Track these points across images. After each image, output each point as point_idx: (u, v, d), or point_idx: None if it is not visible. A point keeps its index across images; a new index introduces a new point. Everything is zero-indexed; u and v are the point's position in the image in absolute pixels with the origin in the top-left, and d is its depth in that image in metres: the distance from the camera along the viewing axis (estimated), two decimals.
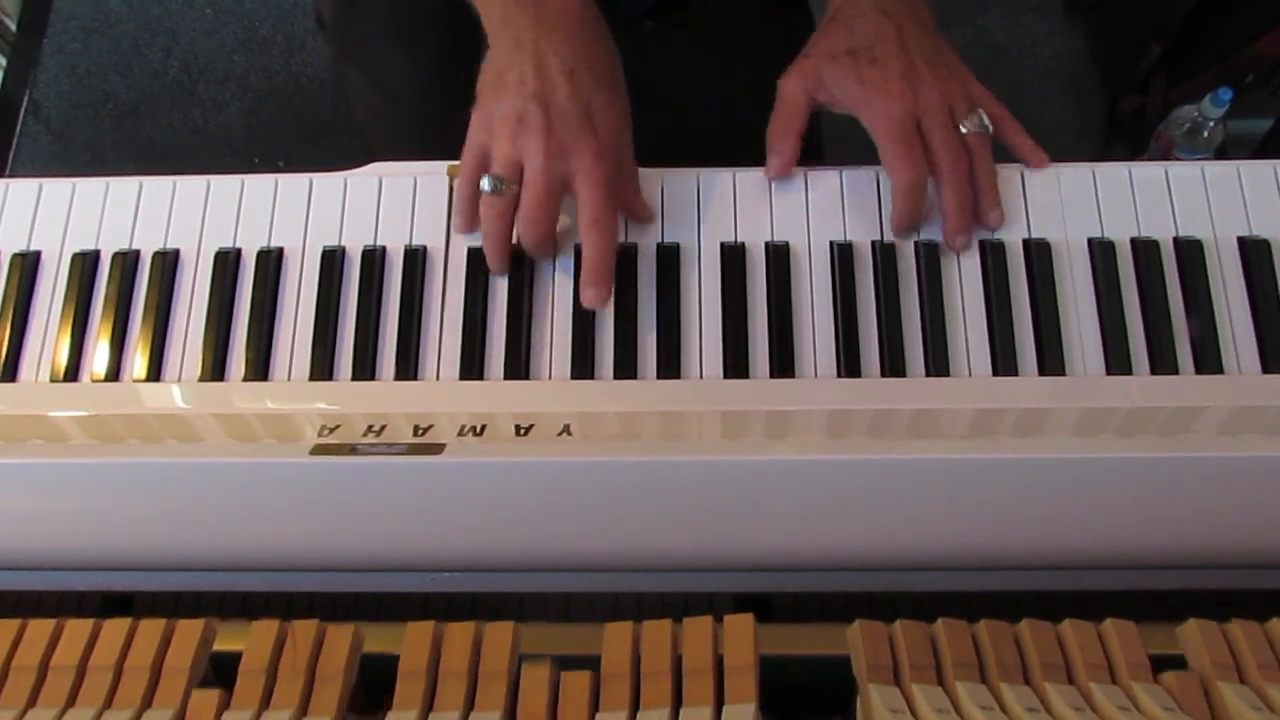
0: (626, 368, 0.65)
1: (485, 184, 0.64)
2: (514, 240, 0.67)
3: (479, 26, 0.68)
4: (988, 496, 0.55)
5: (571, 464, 0.55)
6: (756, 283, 0.67)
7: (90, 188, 0.72)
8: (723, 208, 0.69)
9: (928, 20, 0.70)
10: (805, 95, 0.69)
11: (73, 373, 0.67)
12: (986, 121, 0.67)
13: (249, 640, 0.47)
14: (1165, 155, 1.43)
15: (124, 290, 0.68)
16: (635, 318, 0.66)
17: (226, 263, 0.69)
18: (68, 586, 0.58)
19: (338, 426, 0.60)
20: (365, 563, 0.57)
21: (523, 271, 0.67)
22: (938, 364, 0.65)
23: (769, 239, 0.68)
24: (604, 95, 0.65)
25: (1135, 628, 0.47)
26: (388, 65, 0.89)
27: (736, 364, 0.65)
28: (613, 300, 0.67)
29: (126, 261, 0.69)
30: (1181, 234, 0.68)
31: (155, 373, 0.67)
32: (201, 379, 0.66)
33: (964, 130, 0.67)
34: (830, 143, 0.87)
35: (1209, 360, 0.65)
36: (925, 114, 0.66)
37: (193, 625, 0.48)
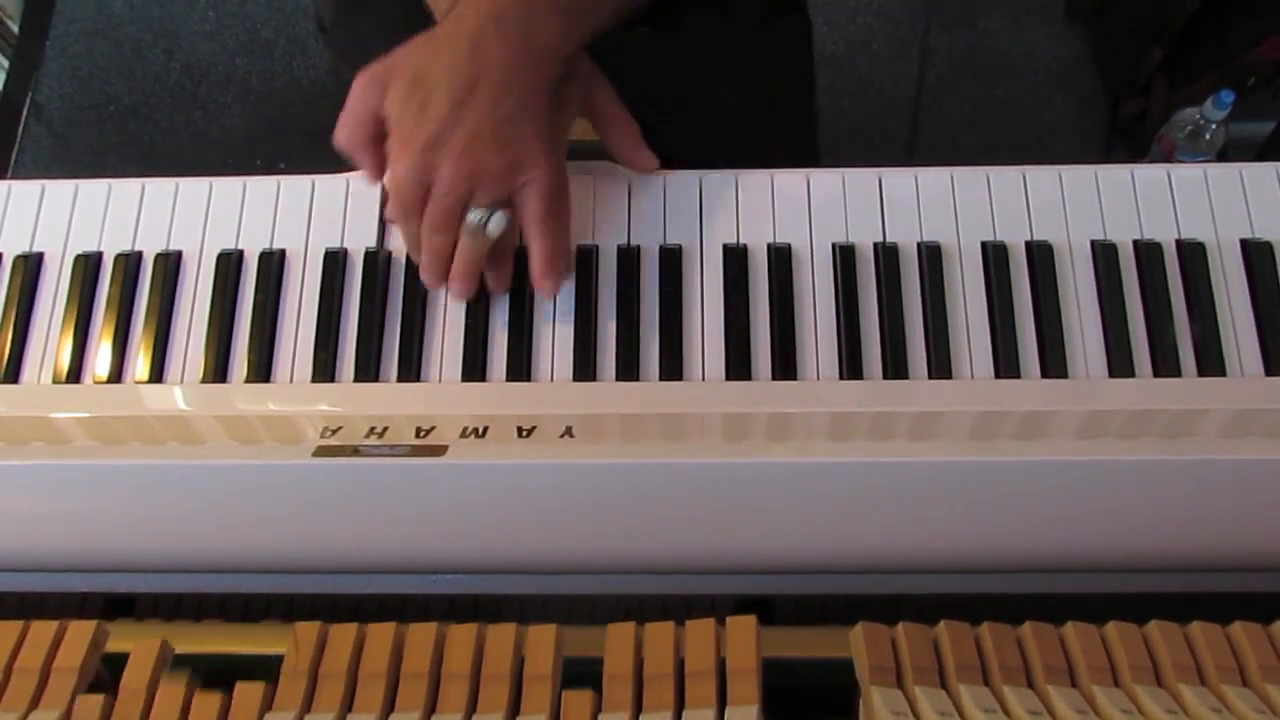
0: (628, 369, 0.65)
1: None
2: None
3: None
4: (990, 499, 0.55)
5: (573, 466, 0.55)
6: (758, 284, 0.67)
7: (93, 189, 0.72)
8: (725, 210, 0.69)
9: (521, 83, 0.61)
10: (366, 108, 0.63)
11: (75, 374, 0.67)
12: (492, 228, 0.62)
13: (249, 644, 0.47)
14: (1167, 158, 1.43)
15: (126, 292, 0.68)
16: (637, 319, 0.66)
17: (229, 264, 0.69)
18: (70, 589, 0.58)
19: (340, 428, 0.60)
20: (367, 564, 0.57)
21: (525, 272, 0.67)
22: (940, 366, 0.65)
23: (771, 240, 0.68)
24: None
25: (1138, 630, 0.47)
26: None
27: (738, 366, 0.65)
28: (614, 302, 0.67)
29: (129, 263, 0.69)
30: (1184, 236, 0.68)
31: (157, 374, 0.67)
32: (204, 381, 0.66)
33: (469, 219, 0.62)
34: (830, 144, 0.87)
35: (1211, 363, 0.65)
36: (435, 183, 0.60)
37: (191, 629, 0.48)
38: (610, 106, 0.67)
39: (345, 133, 0.63)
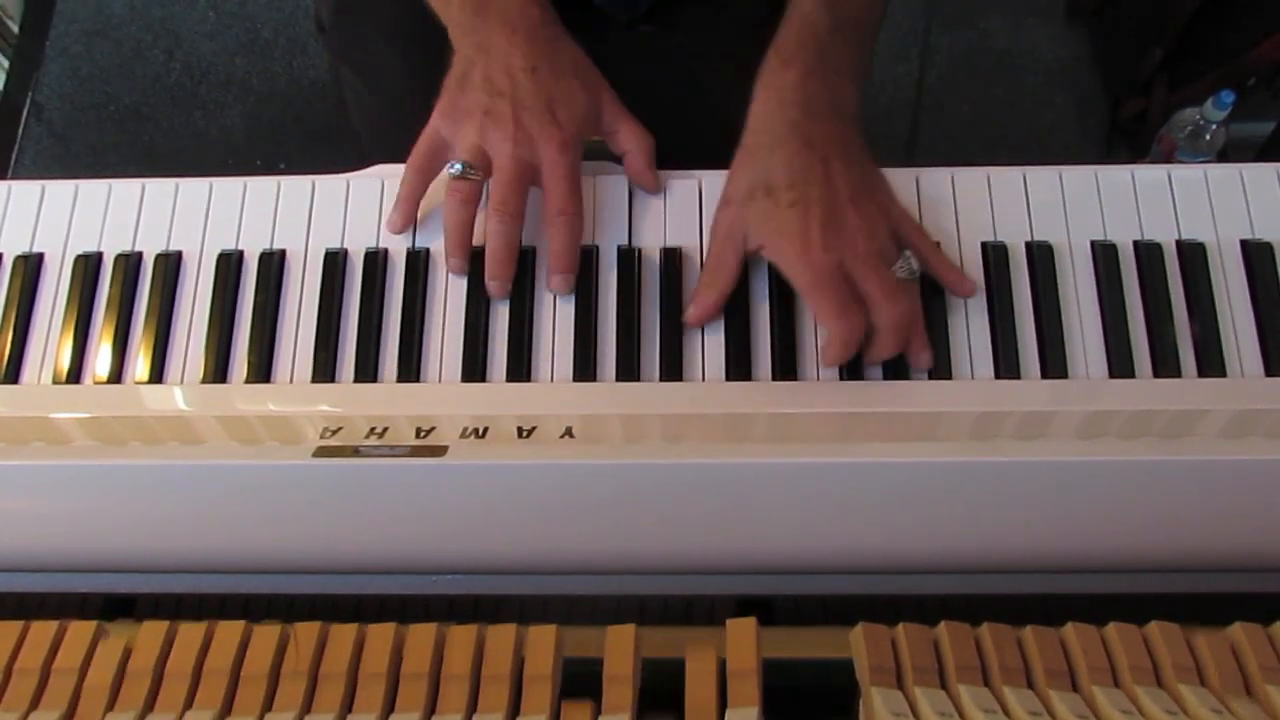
0: (629, 370, 0.65)
1: (454, 169, 0.65)
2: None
3: None
4: (990, 499, 0.55)
5: (574, 466, 0.55)
6: (759, 284, 0.67)
7: (93, 190, 0.72)
8: None
9: (855, 145, 0.65)
10: (734, 254, 0.65)
11: (75, 375, 0.67)
12: (915, 266, 0.63)
13: (251, 643, 0.47)
14: (1167, 158, 1.43)
15: (126, 292, 0.68)
16: (638, 320, 0.66)
17: (229, 265, 0.69)
18: (70, 589, 0.58)
19: (340, 429, 0.60)
20: (367, 565, 0.57)
21: (524, 273, 0.67)
22: (940, 366, 0.65)
23: None
24: (566, 89, 0.66)
25: (1139, 631, 0.47)
26: (384, 68, 0.90)
27: (739, 366, 0.65)
28: (615, 303, 0.67)
29: (129, 263, 0.69)
30: (1184, 237, 0.68)
31: (158, 375, 0.67)
32: (204, 381, 0.66)
33: (894, 274, 0.62)
34: None
35: (1212, 363, 0.65)
36: (853, 266, 0.61)
37: (195, 629, 0.48)
38: (624, 120, 0.69)
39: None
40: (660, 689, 0.46)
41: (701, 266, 0.67)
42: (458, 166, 0.65)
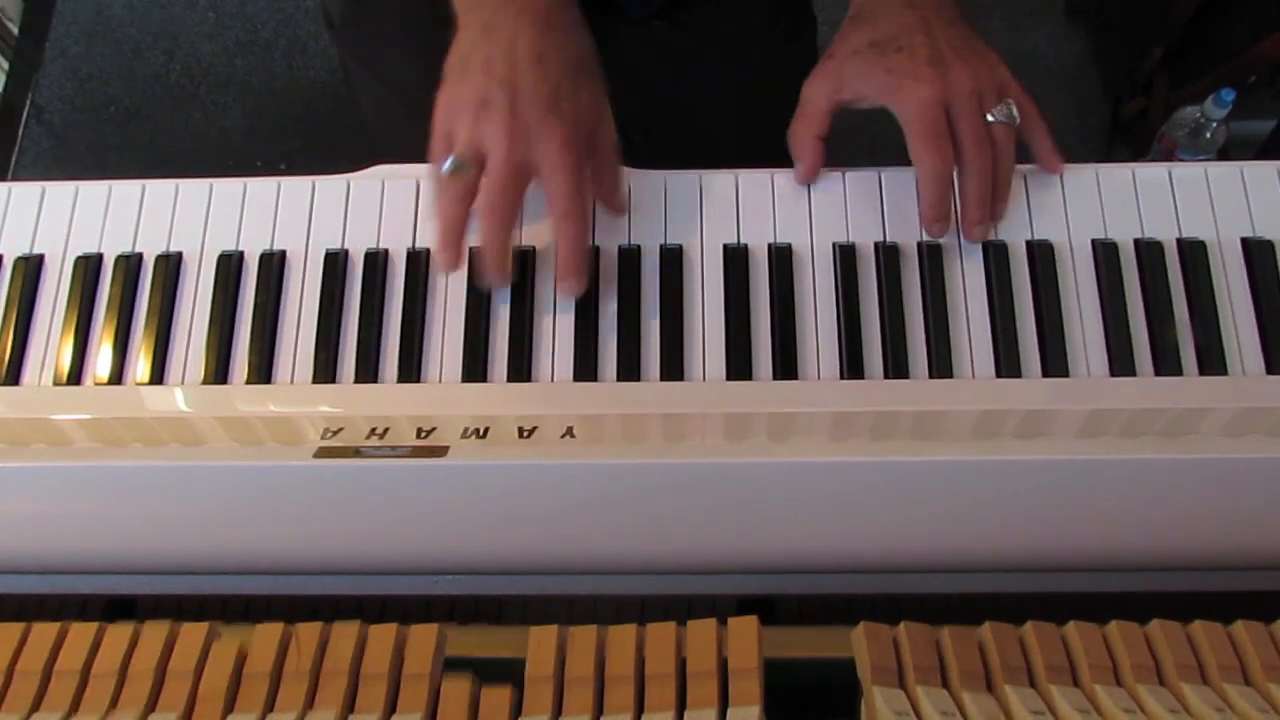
0: (629, 370, 0.65)
1: (445, 166, 0.62)
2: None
3: None
4: (991, 498, 0.55)
5: (575, 466, 0.55)
6: (759, 284, 0.67)
7: (93, 191, 0.72)
8: (725, 209, 0.69)
9: (953, 11, 0.69)
10: (826, 99, 0.68)
11: (76, 376, 0.67)
12: (1015, 113, 0.66)
13: (253, 643, 0.47)
14: (1168, 156, 1.43)
15: (127, 293, 0.68)
16: (638, 319, 0.66)
17: (229, 265, 0.69)
18: (71, 590, 0.58)
19: (341, 429, 0.60)
20: (369, 565, 0.57)
21: (525, 273, 0.67)
22: (941, 366, 0.65)
23: (772, 240, 0.68)
24: (573, 82, 0.63)
25: (1140, 629, 0.47)
26: (396, 63, 0.89)
27: (739, 366, 0.65)
28: (615, 302, 0.67)
29: (129, 264, 0.69)
30: (1185, 235, 0.68)
31: (158, 376, 0.67)
32: (204, 382, 0.66)
33: (991, 119, 0.65)
34: (832, 144, 0.87)
35: (1213, 362, 0.65)
36: (954, 100, 0.65)
37: (197, 629, 0.48)
38: (609, 146, 0.67)
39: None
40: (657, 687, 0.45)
41: (703, 258, 0.67)
42: (449, 163, 0.62)
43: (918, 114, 0.65)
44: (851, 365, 0.65)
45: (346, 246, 0.69)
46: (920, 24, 0.67)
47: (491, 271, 0.64)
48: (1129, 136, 1.64)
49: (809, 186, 0.70)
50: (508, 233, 0.63)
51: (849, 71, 0.68)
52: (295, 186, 0.71)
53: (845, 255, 0.68)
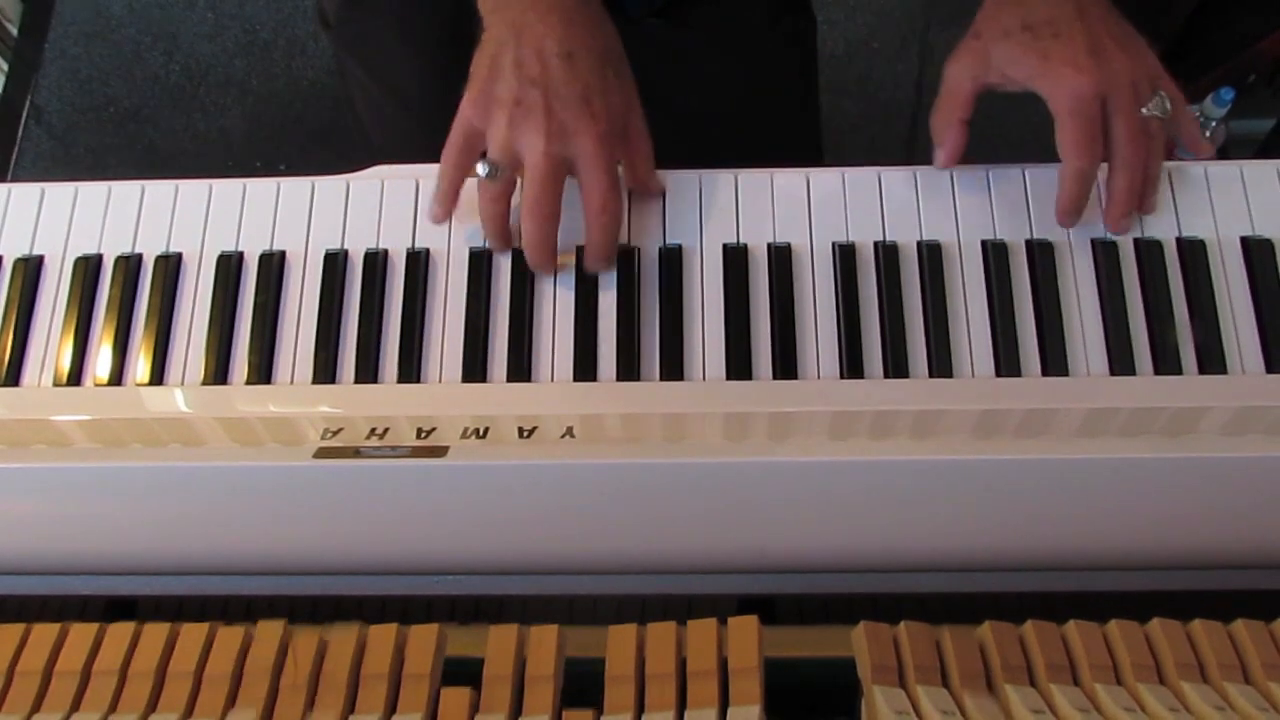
0: (629, 370, 0.65)
1: (481, 170, 0.64)
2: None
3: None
4: (991, 497, 0.55)
5: (575, 466, 0.55)
6: (759, 284, 0.67)
7: (93, 192, 0.72)
8: (725, 209, 0.69)
9: None
10: (972, 81, 0.67)
11: (76, 377, 0.67)
12: (1168, 105, 0.65)
13: (255, 643, 0.47)
14: (1168, 155, 1.43)
15: (127, 294, 0.68)
16: (637, 320, 0.66)
17: (229, 266, 0.69)
18: (71, 591, 0.58)
19: (341, 429, 0.60)
20: (369, 566, 0.57)
21: (525, 273, 0.67)
22: (940, 365, 0.65)
23: (771, 240, 0.68)
24: (602, 77, 0.64)
25: (1140, 628, 0.47)
26: (392, 62, 0.89)
27: (739, 366, 0.65)
28: (615, 302, 0.67)
29: (129, 265, 0.69)
30: (1184, 234, 0.68)
31: (158, 376, 0.67)
32: (204, 383, 0.66)
33: (1145, 113, 0.64)
34: (831, 143, 0.87)
35: (1212, 360, 0.65)
36: (1112, 94, 0.63)
37: (197, 629, 0.48)
38: (642, 137, 0.68)
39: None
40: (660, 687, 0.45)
41: (702, 258, 0.67)
42: (485, 169, 0.64)
43: (1074, 107, 0.63)
44: (851, 365, 0.65)
45: (346, 247, 0.69)
46: (1077, 10, 0.64)
47: (540, 266, 0.66)
48: None
49: (808, 186, 0.70)
50: (552, 228, 0.65)
51: (998, 53, 0.65)
52: (295, 187, 0.71)
53: (845, 255, 0.68)
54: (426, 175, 0.70)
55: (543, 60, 0.63)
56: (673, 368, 0.65)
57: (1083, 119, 0.63)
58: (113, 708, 0.45)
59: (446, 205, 0.67)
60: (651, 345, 0.66)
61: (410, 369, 0.66)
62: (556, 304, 0.67)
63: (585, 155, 0.63)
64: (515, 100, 0.62)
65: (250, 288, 0.68)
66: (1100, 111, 0.63)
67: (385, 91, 0.92)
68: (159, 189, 0.72)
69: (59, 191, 0.72)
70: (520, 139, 0.63)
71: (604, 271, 0.67)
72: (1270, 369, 0.65)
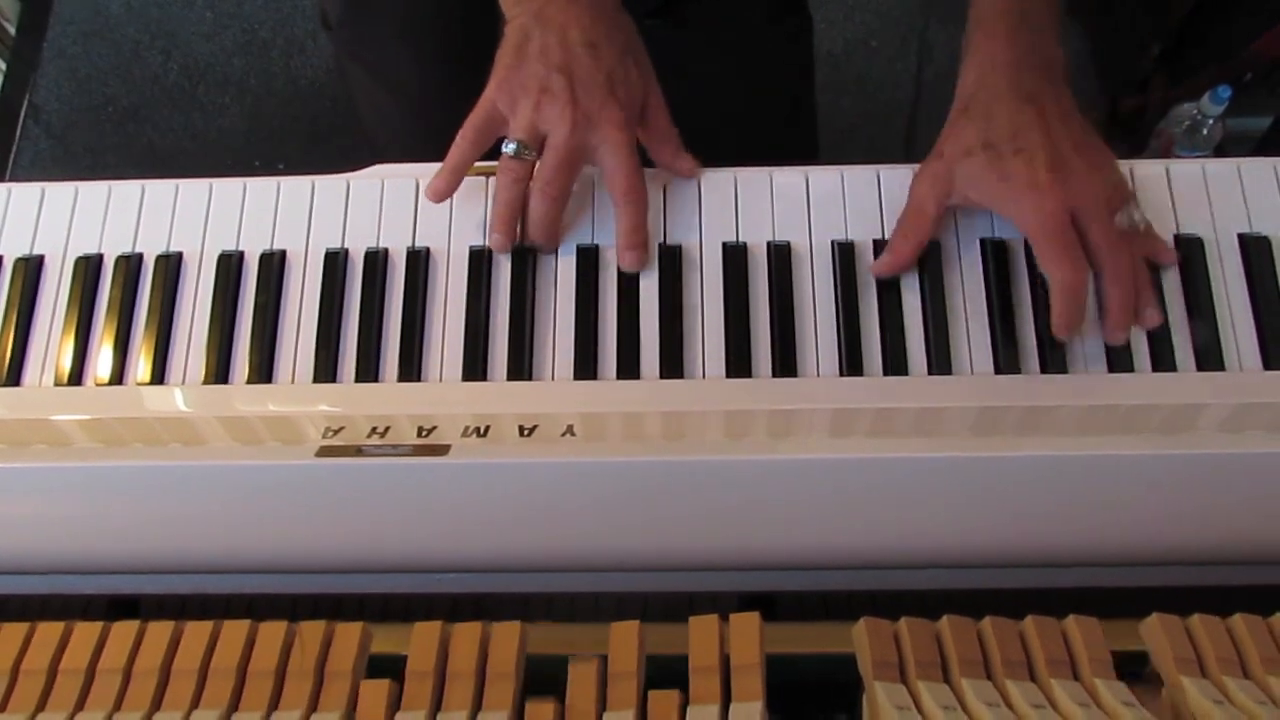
0: (629, 368, 0.65)
1: (509, 148, 0.65)
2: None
3: (487, 21, 0.68)
4: (990, 494, 0.55)
5: (575, 464, 0.56)
6: (758, 282, 0.67)
7: (93, 191, 0.72)
8: (724, 208, 0.70)
9: (1068, 99, 0.65)
10: (935, 205, 0.65)
11: (76, 377, 0.67)
12: (1138, 217, 0.63)
13: (257, 642, 0.47)
14: (1165, 153, 1.43)
15: (127, 294, 0.68)
16: (637, 318, 0.67)
17: (229, 265, 0.69)
18: (74, 590, 0.59)
19: (342, 428, 0.60)
20: (370, 564, 0.57)
21: (525, 271, 0.68)
22: (939, 362, 0.65)
23: (770, 239, 0.69)
24: (624, 66, 0.65)
25: (1138, 626, 0.47)
26: (394, 63, 0.89)
27: (739, 364, 0.65)
28: (615, 301, 0.67)
29: (130, 265, 0.69)
30: (1182, 231, 0.68)
31: (159, 376, 0.67)
32: (205, 382, 0.66)
33: (1118, 223, 0.63)
34: (830, 142, 0.88)
35: (1210, 357, 0.65)
36: (1079, 206, 0.61)
37: (201, 627, 0.48)
38: (662, 114, 0.69)
39: None
40: (663, 686, 0.46)
41: (702, 257, 0.67)
42: (513, 146, 0.65)
43: (1042, 227, 0.61)
44: (851, 363, 0.65)
45: (346, 246, 0.69)
46: (1038, 120, 0.63)
47: (539, 240, 0.67)
48: (1127, 133, 1.65)
49: (807, 185, 0.70)
50: (560, 210, 0.66)
51: (961, 175, 0.64)
52: (295, 186, 0.71)
53: (844, 253, 0.68)
54: (427, 175, 0.70)
55: (567, 48, 0.64)
56: (673, 366, 0.65)
57: (1054, 236, 0.61)
58: (117, 706, 0.45)
59: (450, 182, 0.67)
60: (651, 344, 0.66)
61: (411, 368, 0.66)
62: (557, 303, 0.67)
63: (609, 142, 0.64)
64: (541, 87, 0.64)
65: (251, 287, 0.68)
66: (1071, 224, 0.61)
67: (386, 92, 0.92)
68: (159, 188, 0.72)
69: (59, 191, 0.72)
70: (545, 123, 0.64)
71: (638, 265, 0.66)
72: (1267, 366, 0.65)
